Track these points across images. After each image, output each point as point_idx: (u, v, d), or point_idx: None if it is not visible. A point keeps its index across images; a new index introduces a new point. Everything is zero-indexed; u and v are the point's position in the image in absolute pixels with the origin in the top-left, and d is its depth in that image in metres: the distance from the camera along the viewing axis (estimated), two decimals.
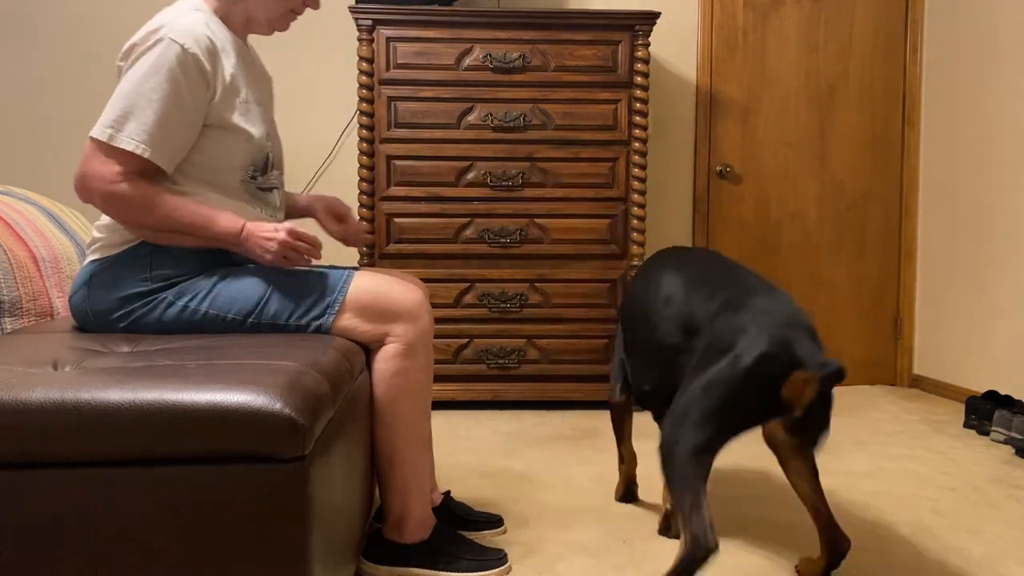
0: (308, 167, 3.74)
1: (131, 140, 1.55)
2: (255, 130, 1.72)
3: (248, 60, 1.80)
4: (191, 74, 1.59)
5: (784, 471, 1.78)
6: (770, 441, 1.77)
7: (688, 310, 1.71)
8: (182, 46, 1.58)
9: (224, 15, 1.75)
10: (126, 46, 1.63)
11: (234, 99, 1.69)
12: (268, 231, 1.62)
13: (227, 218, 1.62)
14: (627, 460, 2.27)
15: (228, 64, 1.68)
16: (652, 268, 1.95)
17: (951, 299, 3.69)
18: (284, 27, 1.83)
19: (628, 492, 2.28)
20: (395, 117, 3.28)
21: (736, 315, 1.58)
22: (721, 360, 1.53)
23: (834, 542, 1.72)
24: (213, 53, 1.64)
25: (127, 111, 1.56)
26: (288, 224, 1.65)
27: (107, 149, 1.56)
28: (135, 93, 1.57)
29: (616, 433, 2.26)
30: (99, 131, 1.56)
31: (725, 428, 1.53)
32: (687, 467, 1.51)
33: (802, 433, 1.65)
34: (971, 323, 3.54)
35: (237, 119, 1.68)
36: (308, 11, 1.81)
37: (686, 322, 1.70)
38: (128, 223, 1.62)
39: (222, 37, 1.69)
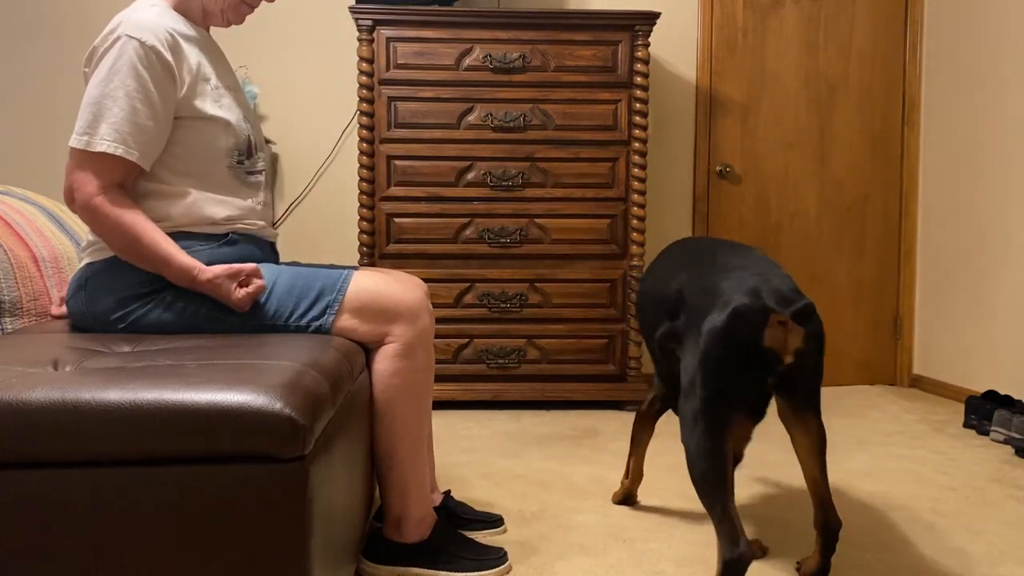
0: (308, 167, 3.74)
1: (104, 141, 1.56)
2: (232, 116, 1.73)
3: (212, 49, 1.80)
4: (154, 68, 1.60)
5: (792, 443, 1.72)
6: (780, 414, 1.71)
7: (665, 292, 1.72)
8: (140, 41, 1.58)
9: (184, 9, 1.75)
10: (88, 51, 1.64)
11: (205, 88, 1.69)
12: (219, 272, 1.59)
13: (184, 259, 1.59)
14: (632, 477, 2.21)
15: (192, 54, 1.68)
16: (656, 264, 1.97)
17: (951, 299, 3.69)
18: (239, 20, 1.82)
19: (624, 503, 2.23)
20: (395, 117, 3.28)
21: (707, 279, 1.59)
22: (701, 328, 1.53)
23: (828, 519, 1.69)
24: (174, 45, 1.64)
25: (96, 114, 1.57)
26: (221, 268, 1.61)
27: (85, 157, 1.57)
28: (101, 95, 1.58)
29: (632, 443, 2.18)
30: (75, 140, 1.57)
31: (727, 400, 1.54)
32: (707, 465, 1.52)
33: (794, 390, 1.62)
34: (971, 323, 3.54)
35: (212, 107, 1.69)
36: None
37: (667, 305, 1.71)
38: (102, 239, 1.63)
39: (182, 29, 1.70)
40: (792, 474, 2.52)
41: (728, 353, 1.51)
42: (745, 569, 1.47)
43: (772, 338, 1.51)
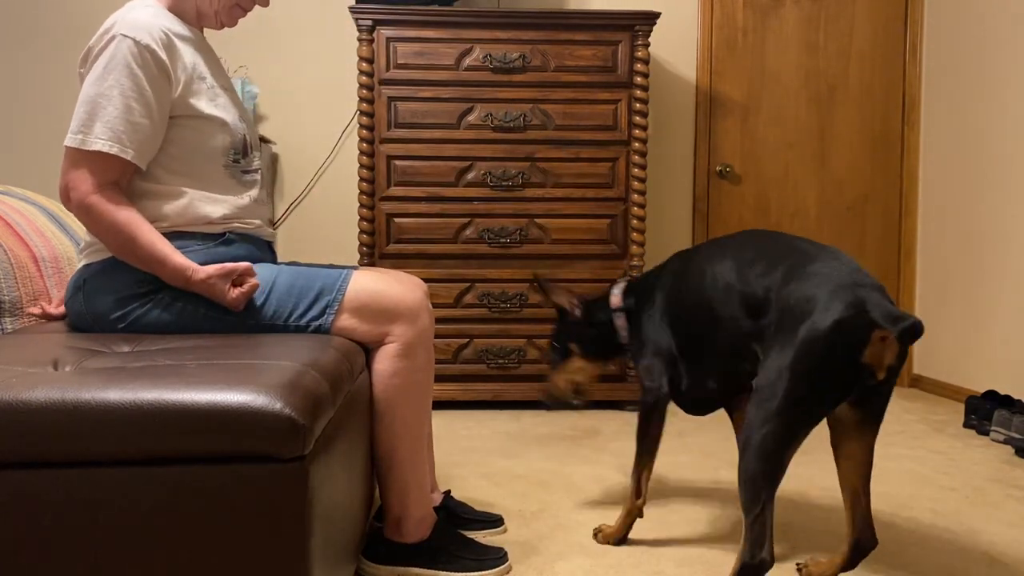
0: (308, 167, 3.74)
1: (99, 140, 1.56)
2: (227, 115, 1.73)
3: (207, 49, 1.80)
4: (149, 67, 1.59)
5: (835, 451, 1.67)
6: (831, 419, 1.66)
7: (749, 290, 1.64)
8: (135, 40, 1.58)
9: (178, 10, 1.75)
10: (83, 51, 1.64)
11: (201, 87, 1.69)
12: (212, 272, 1.59)
13: (178, 260, 1.59)
14: (644, 489, 1.96)
15: (187, 54, 1.68)
16: (691, 261, 1.87)
17: (951, 299, 3.69)
18: (232, 22, 1.82)
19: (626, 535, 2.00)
20: (395, 117, 3.28)
21: (802, 284, 1.52)
22: (796, 334, 1.47)
23: (863, 538, 1.66)
24: (169, 45, 1.64)
25: (91, 113, 1.57)
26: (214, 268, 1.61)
27: (80, 156, 1.57)
28: (96, 94, 1.58)
29: (644, 442, 1.94)
30: (70, 139, 1.57)
31: (813, 409, 1.51)
32: (766, 467, 1.49)
33: (870, 404, 1.59)
34: (971, 323, 3.54)
35: (207, 106, 1.69)
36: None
37: (749, 303, 1.64)
38: (98, 238, 1.63)
39: (177, 29, 1.70)
40: (792, 474, 2.52)
41: (825, 364, 1.47)
42: (760, 574, 1.48)
43: (871, 354, 1.46)
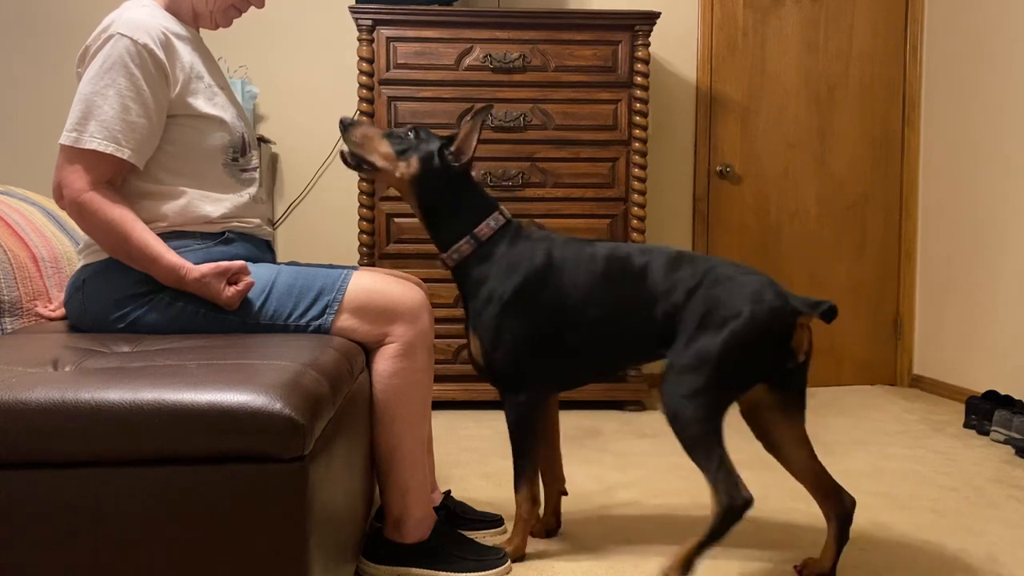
0: (308, 167, 3.74)
1: (94, 139, 1.55)
2: (225, 114, 1.73)
3: (203, 49, 1.80)
4: (146, 66, 1.59)
5: (774, 449, 1.78)
6: (754, 418, 1.78)
7: (660, 287, 1.73)
8: (132, 39, 1.58)
9: (174, 10, 1.75)
10: (80, 50, 1.64)
11: (199, 86, 1.69)
12: (206, 271, 1.58)
13: (172, 259, 1.58)
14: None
15: (185, 53, 1.69)
16: (576, 261, 1.81)
17: (951, 299, 3.69)
18: (226, 23, 1.82)
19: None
20: (395, 117, 3.28)
21: (727, 284, 1.69)
22: (729, 323, 1.64)
23: (839, 504, 1.74)
24: (167, 44, 1.64)
25: (86, 112, 1.57)
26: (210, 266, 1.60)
27: (74, 154, 1.57)
28: (92, 92, 1.57)
29: (535, 449, 1.86)
30: (64, 136, 1.57)
31: (741, 384, 1.69)
32: (708, 429, 1.63)
33: (792, 384, 1.73)
34: (971, 323, 3.54)
35: (206, 106, 1.69)
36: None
37: (653, 297, 1.73)
38: (90, 236, 1.63)
39: (174, 28, 1.70)
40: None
41: (758, 344, 1.65)
42: (743, 514, 1.59)
43: (796, 339, 1.67)
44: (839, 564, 1.76)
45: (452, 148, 1.84)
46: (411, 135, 1.85)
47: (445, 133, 3.31)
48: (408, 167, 1.82)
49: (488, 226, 1.83)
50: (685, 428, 1.64)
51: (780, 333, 1.66)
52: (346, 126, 1.84)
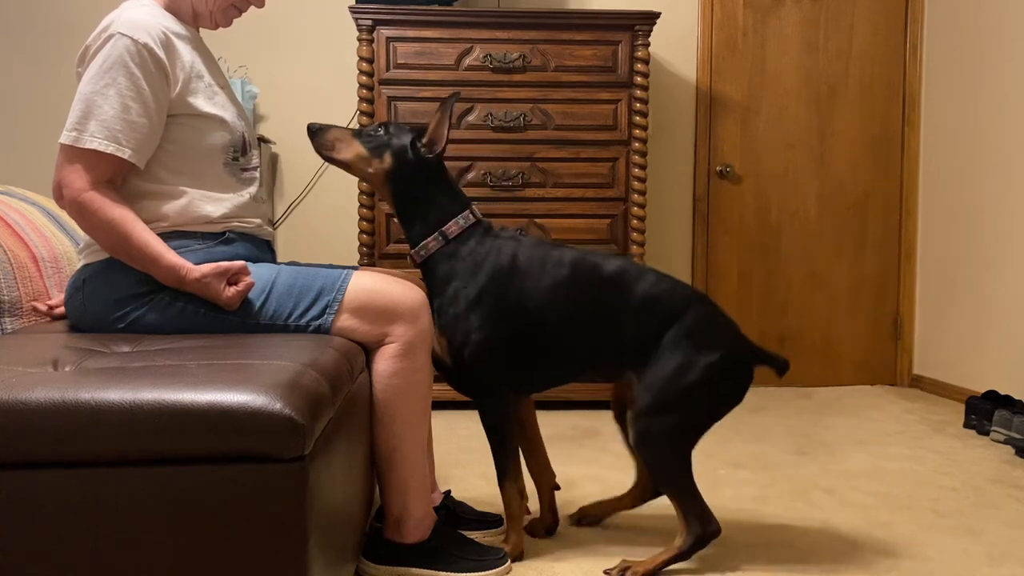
0: (308, 167, 3.74)
1: (94, 139, 1.55)
2: (226, 113, 1.73)
3: (203, 48, 1.80)
4: (147, 65, 1.59)
5: (628, 436, 1.88)
6: (621, 413, 1.93)
7: (631, 304, 1.79)
8: (133, 39, 1.58)
9: (174, 9, 1.75)
10: (80, 50, 1.64)
11: (199, 85, 1.69)
12: (206, 271, 1.58)
13: (172, 258, 1.58)
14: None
15: (186, 52, 1.68)
16: (542, 263, 1.83)
17: (951, 299, 3.69)
18: (226, 23, 1.82)
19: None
20: (395, 117, 3.28)
21: (706, 321, 1.79)
22: (704, 363, 1.74)
23: (643, 479, 1.98)
24: (168, 43, 1.64)
25: (86, 111, 1.57)
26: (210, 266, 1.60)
27: (74, 153, 1.56)
28: (92, 92, 1.57)
29: (511, 445, 1.90)
30: (64, 136, 1.57)
31: (710, 420, 1.80)
32: (681, 464, 1.75)
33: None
34: (971, 323, 3.54)
35: (206, 105, 1.69)
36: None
37: (620, 312, 1.79)
38: (90, 236, 1.62)
39: (174, 28, 1.70)
40: (792, 475, 2.52)
41: (728, 386, 1.83)
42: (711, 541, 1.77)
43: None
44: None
45: (424, 140, 1.82)
46: (381, 131, 1.85)
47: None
48: (382, 163, 1.82)
49: (457, 224, 1.83)
50: (658, 463, 1.77)
51: (747, 377, 1.80)
52: (314, 132, 1.84)
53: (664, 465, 1.77)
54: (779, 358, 1.82)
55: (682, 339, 1.74)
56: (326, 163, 1.91)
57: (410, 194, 1.84)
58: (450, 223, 1.82)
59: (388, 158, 1.82)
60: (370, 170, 1.83)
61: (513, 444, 1.88)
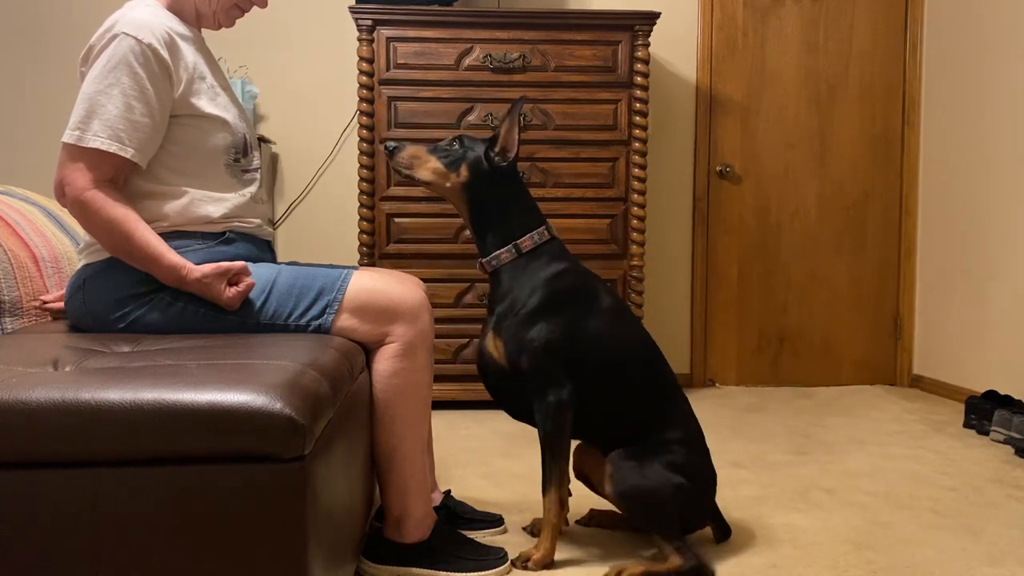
0: (308, 167, 3.74)
1: (97, 138, 1.56)
2: (228, 114, 1.73)
3: (206, 49, 1.80)
4: (150, 65, 1.59)
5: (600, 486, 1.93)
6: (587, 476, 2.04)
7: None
8: (137, 39, 1.58)
9: (177, 10, 1.75)
10: (84, 50, 1.64)
11: (201, 86, 1.69)
12: (207, 271, 1.58)
13: (173, 258, 1.58)
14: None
15: (189, 53, 1.69)
16: (598, 289, 1.95)
17: (951, 299, 3.69)
18: (229, 23, 1.82)
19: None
20: (395, 117, 3.28)
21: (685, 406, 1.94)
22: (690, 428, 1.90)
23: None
24: (171, 44, 1.64)
25: (90, 111, 1.57)
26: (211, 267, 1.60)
27: (77, 152, 1.57)
28: (95, 91, 1.58)
29: (566, 451, 1.90)
30: (67, 135, 1.57)
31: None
32: (673, 518, 1.79)
33: None
34: (971, 323, 3.54)
35: (208, 106, 1.69)
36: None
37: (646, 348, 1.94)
38: (92, 235, 1.63)
39: (178, 28, 1.70)
40: (793, 475, 2.51)
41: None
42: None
43: None
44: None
45: (496, 148, 1.84)
46: (456, 144, 1.87)
47: (444, 133, 3.32)
48: (459, 176, 1.84)
49: (532, 239, 1.85)
50: (648, 521, 1.81)
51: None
52: (391, 151, 1.85)
53: (654, 524, 1.82)
54: (726, 526, 1.95)
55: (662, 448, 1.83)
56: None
57: (486, 205, 1.85)
58: (524, 237, 1.85)
59: (464, 171, 1.83)
60: (448, 184, 1.84)
61: (566, 451, 1.88)
